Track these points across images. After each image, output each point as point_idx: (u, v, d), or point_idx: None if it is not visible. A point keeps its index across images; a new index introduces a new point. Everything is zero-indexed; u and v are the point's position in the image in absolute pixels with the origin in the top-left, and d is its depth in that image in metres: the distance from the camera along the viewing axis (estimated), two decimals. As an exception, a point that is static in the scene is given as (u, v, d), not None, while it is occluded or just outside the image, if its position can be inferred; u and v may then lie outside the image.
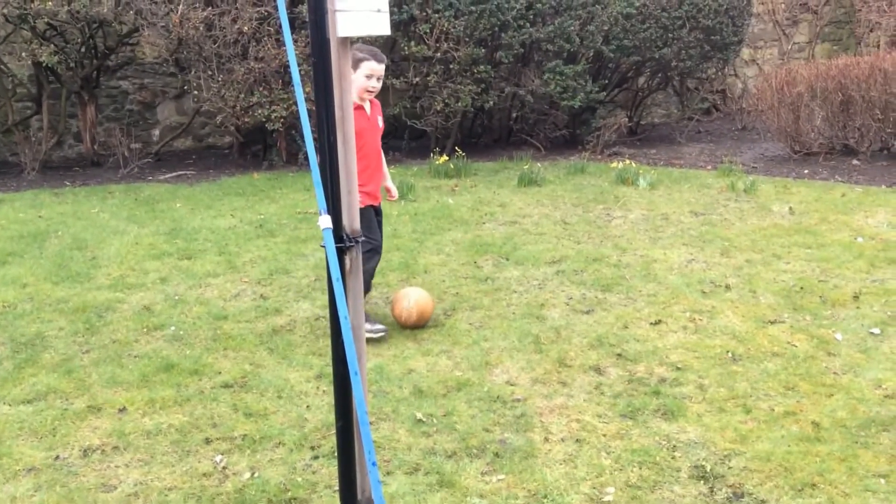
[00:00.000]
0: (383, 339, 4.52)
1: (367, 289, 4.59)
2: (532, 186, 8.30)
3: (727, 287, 5.23)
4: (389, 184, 4.88)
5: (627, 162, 9.17)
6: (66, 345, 4.53)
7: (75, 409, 3.78)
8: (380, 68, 4.33)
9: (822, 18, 13.91)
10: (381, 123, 4.63)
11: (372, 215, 4.60)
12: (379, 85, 4.38)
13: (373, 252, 4.55)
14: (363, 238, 4.39)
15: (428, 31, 9.30)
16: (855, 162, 9.16)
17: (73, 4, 8.64)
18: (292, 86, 2.11)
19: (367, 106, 4.48)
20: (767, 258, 5.80)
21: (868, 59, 9.41)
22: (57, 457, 3.40)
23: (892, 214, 6.84)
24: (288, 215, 7.27)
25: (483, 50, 9.63)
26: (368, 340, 4.35)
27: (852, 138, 9.37)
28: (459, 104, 9.61)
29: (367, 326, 4.38)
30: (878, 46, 12.95)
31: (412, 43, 9.37)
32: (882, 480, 3.12)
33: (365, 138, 4.44)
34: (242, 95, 9.12)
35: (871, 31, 13.54)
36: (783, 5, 13.68)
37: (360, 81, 4.32)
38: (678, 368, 4.12)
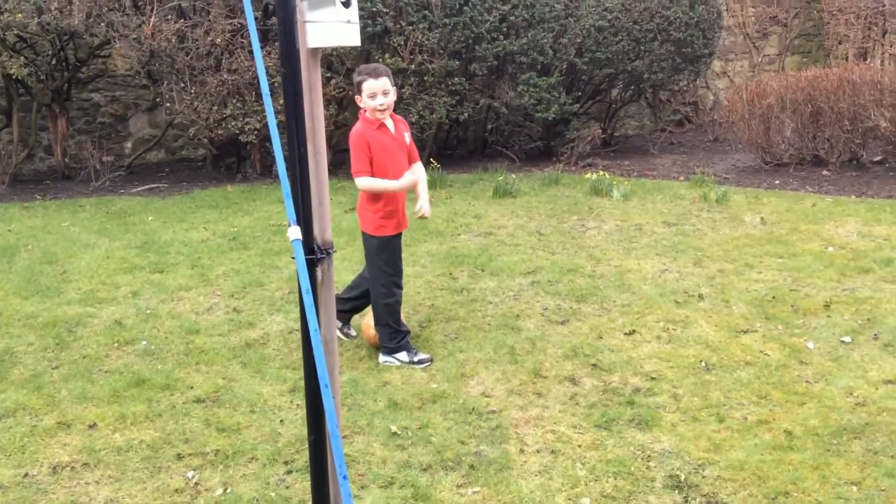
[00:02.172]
0: (357, 350, 4.49)
1: (383, 322, 4.38)
2: (507, 198, 8.32)
3: (700, 297, 5.27)
4: (424, 201, 4.40)
5: (601, 173, 9.22)
6: (36, 360, 4.46)
7: (45, 426, 3.72)
8: (379, 83, 4.19)
9: (791, 31, 14.11)
10: (408, 140, 4.46)
11: (398, 246, 4.44)
12: (387, 99, 4.22)
13: (394, 287, 4.38)
14: (386, 271, 4.34)
15: (402, 43, 9.31)
16: (825, 172, 9.28)
17: (43, 16, 8.55)
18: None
19: (389, 123, 4.33)
20: (740, 268, 5.85)
21: (837, 70, 9.54)
22: (26, 474, 3.34)
23: (862, 224, 6.94)
24: (262, 228, 7.23)
25: (457, 62, 9.66)
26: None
27: (822, 149, 9.49)
28: (434, 116, 9.62)
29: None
30: (847, 58, 13.15)
31: (386, 55, 9.37)
32: (854, 488, 3.15)
33: (391, 157, 4.31)
34: (216, 107, 9.07)
35: (839, 43, 13.74)
36: (753, 18, 13.85)
37: (366, 104, 4.23)
38: (652, 378, 4.14)
